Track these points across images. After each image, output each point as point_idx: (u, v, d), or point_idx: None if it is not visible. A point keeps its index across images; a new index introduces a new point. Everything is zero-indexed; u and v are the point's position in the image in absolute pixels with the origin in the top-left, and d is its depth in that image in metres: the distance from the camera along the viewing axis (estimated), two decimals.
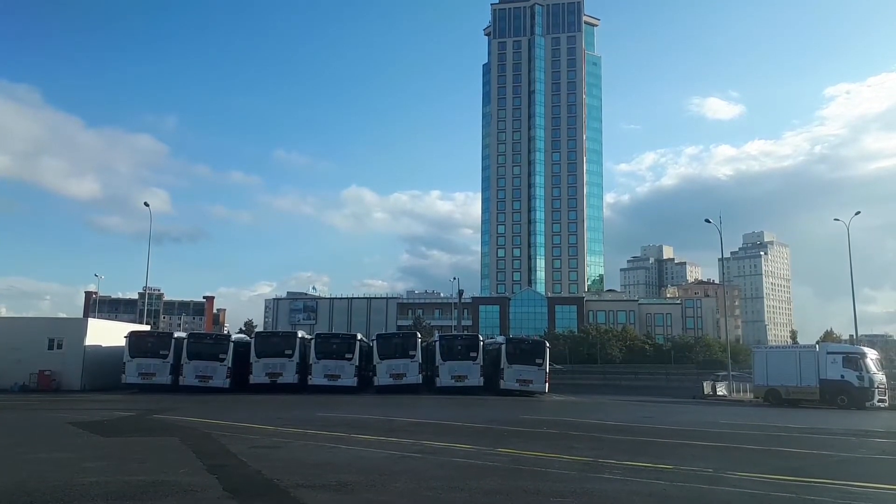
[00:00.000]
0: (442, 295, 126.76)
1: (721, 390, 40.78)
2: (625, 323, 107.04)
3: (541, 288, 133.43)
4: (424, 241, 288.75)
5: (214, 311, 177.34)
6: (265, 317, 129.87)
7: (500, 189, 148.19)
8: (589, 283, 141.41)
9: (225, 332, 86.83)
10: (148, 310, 70.65)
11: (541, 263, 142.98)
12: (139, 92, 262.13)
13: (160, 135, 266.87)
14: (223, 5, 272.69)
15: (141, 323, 51.42)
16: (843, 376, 31.73)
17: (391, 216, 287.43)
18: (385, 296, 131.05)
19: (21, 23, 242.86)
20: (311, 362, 33.52)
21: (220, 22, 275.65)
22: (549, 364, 36.15)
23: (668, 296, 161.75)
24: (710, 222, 48.94)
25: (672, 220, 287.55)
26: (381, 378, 33.55)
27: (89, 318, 42.37)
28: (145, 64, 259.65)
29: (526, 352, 35.37)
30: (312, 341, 34.57)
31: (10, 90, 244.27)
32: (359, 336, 36.66)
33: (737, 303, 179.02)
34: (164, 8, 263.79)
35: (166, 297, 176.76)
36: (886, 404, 31.71)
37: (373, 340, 35.66)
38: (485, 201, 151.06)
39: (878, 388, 31.54)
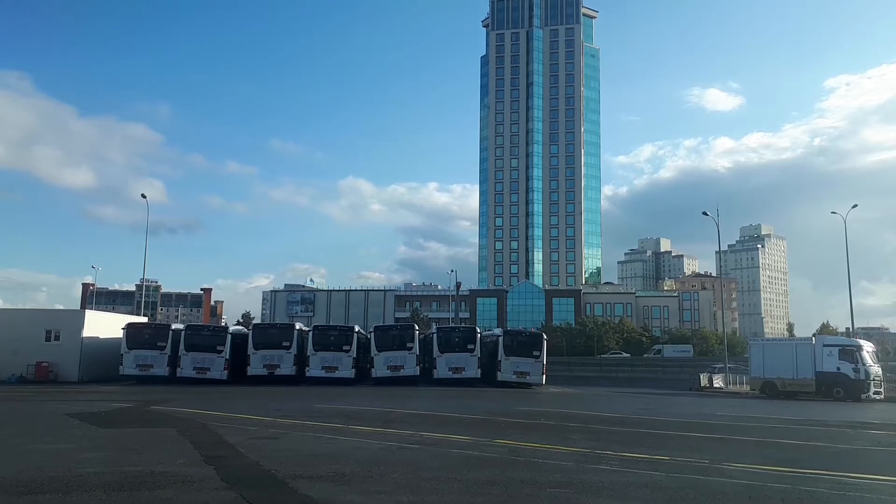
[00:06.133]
0: (439, 287, 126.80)
1: (718, 382, 40.89)
2: (622, 315, 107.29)
3: (538, 280, 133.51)
4: (422, 233, 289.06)
5: (212, 302, 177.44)
6: (263, 309, 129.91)
7: (498, 181, 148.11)
8: (586, 275, 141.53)
9: (222, 323, 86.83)
10: (145, 301, 70.54)
11: (538, 256, 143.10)
12: (132, 80, 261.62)
13: (154, 124, 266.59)
14: None
15: (138, 315, 51.39)
16: (839, 369, 31.82)
17: (388, 208, 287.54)
18: (382, 288, 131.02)
19: (11, 8, 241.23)
20: (308, 354, 33.58)
21: (215, 9, 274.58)
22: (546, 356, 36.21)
23: (666, 288, 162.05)
24: (707, 215, 48.97)
25: (670, 213, 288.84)
26: (379, 370, 33.60)
27: (87, 310, 42.37)
28: (138, 51, 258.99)
29: (523, 344, 35.41)
30: (310, 333, 34.60)
31: (0, 77, 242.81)
32: (356, 328, 36.66)
33: (734, 295, 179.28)
34: None
35: (164, 289, 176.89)
36: (882, 396, 31.85)
37: (370, 332, 35.69)
38: (483, 193, 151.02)
39: (873, 380, 31.66)
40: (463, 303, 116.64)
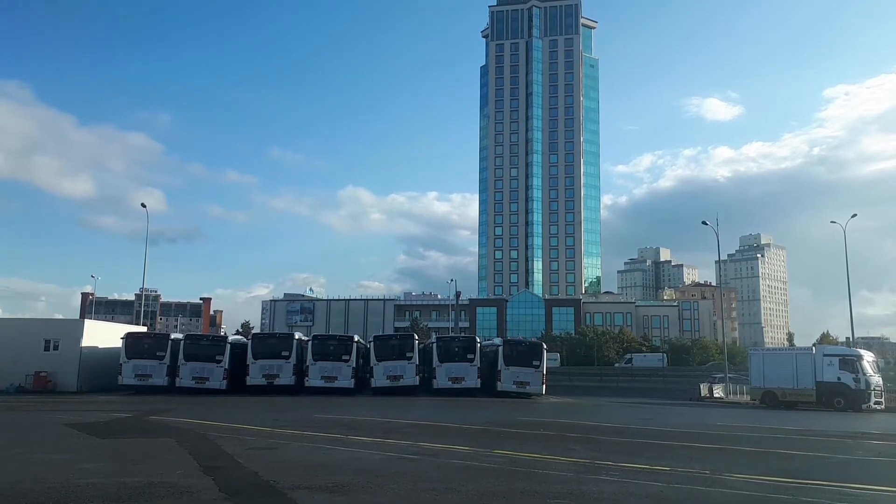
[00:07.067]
0: (439, 297, 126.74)
1: (718, 392, 40.80)
2: (622, 325, 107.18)
3: (538, 290, 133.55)
4: (422, 242, 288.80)
5: (211, 312, 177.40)
6: (262, 318, 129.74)
7: (498, 191, 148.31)
8: (586, 284, 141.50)
9: (222, 333, 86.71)
10: (145, 311, 70.50)
11: (538, 265, 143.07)
12: (132, 89, 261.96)
13: (153, 133, 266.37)
14: (218, 1, 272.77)
15: (137, 324, 51.32)
16: (839, 378, 31.75)
17: (388, 217, 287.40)
18: (382, 297, 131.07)
19: (12, 18, 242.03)
20: (307, 364, 33.50)
21: (215, 18, 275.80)
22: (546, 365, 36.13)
23: (665, 298, 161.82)
24: (706, 224, 49.03)
25: (669, 223, 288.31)
26: (378, 380, 33.53)
27: (86, 320, 42.31)
28: (138, 60, 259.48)
29: (523, 353, 35.34)
30: (309, 343, 34.54)
31: (0, 86, 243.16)
32: (356, 338, 36.60)
33: (734, 305, 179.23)
34: (158, 4, 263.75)
35: (163, 299, 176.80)
36: (883, 406, 31.76)
37: (370, 342, 35.65)
38: (482, 203, 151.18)
39: (874, 390, 31.57)
40: (462, 312, 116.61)
